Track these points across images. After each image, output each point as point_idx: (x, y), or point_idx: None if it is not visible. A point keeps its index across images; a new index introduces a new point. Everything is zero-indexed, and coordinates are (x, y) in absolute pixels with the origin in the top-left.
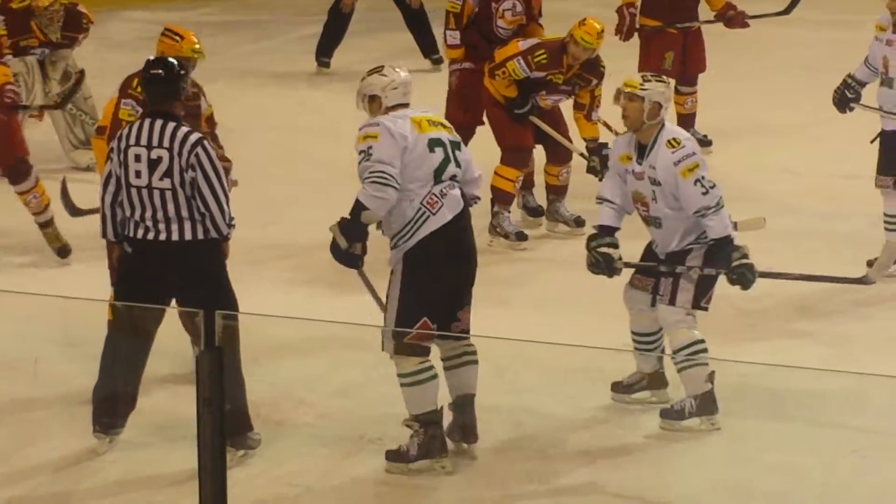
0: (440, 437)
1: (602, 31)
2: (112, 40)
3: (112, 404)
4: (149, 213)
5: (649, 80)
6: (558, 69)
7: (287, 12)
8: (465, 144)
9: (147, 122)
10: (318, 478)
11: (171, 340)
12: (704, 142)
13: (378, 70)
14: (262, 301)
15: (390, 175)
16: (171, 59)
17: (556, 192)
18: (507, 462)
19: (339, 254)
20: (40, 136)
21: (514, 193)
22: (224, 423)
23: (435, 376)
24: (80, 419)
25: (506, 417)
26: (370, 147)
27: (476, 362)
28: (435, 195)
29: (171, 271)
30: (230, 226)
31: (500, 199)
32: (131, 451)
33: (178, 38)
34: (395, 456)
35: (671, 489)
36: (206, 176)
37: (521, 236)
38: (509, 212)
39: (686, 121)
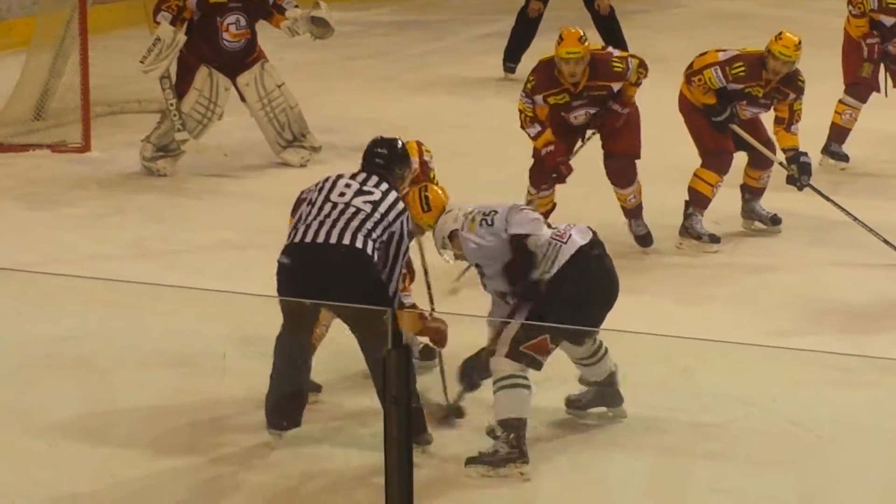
0: (522, 444)
1: (799, 42)
2: (283, 40)
3: (283, 403)
4: (329, 220)
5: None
6: (756, 82)
7: (460, 12)
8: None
9: (364, 173)
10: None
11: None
12: None
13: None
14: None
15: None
16: (397, 141)
17: (753, 192)
18: (681, 468)
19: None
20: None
21: (710, 197)
22: (410, 421)
23: (530, 387)
24: (260, 415)
25: (685, 417)
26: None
27: (607, 350)
28: (559, 230)
29: (332, 274)
30: (394, 296)
31: (696, 201)
32: (311, 447)
33: (426, 207)
34: (475, 461)
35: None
36: (402, 239)
37: (714, 238)
38: (702, 215)
39: None
